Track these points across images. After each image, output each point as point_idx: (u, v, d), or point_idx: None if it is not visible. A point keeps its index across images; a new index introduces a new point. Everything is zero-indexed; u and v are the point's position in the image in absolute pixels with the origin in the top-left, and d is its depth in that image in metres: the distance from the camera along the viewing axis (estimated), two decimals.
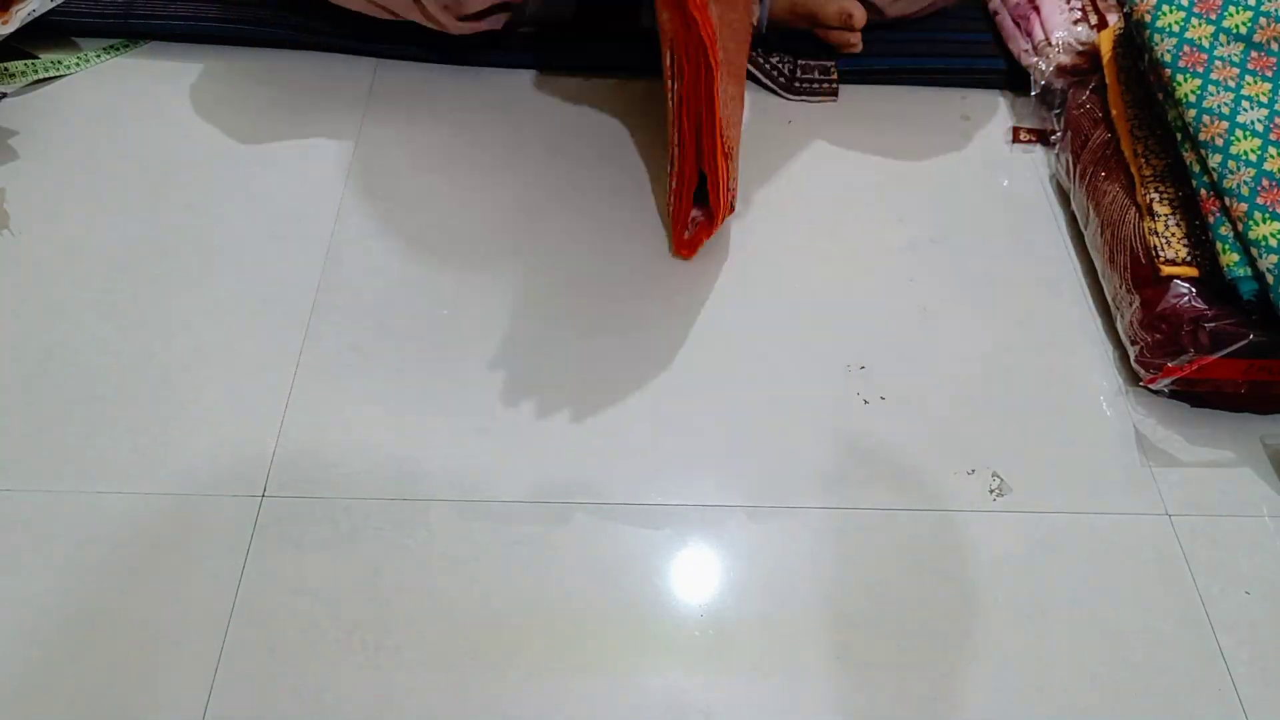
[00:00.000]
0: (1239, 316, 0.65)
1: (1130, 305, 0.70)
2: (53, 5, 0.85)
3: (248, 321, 0.72)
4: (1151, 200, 0.71)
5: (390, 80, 0.90)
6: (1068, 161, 0.82)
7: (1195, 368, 0.66)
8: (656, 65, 0.92)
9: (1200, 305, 0.66)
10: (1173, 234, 0.69)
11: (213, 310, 0.72)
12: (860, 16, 0.89)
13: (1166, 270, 0.68)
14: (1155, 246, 0.69)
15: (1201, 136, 0.68)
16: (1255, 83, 0.69)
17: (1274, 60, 0.70)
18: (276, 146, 0.83)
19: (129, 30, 0.91)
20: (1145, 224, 0.70)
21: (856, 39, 0.91)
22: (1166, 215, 0.70)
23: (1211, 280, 0.66)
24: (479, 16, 0.86)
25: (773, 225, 0.81)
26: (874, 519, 0.64)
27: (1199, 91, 0.69)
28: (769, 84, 0.91)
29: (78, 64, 0.89)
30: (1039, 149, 0.89)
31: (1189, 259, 0.68)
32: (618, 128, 0.88)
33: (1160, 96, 0.72)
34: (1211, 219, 0.66)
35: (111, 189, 0.80)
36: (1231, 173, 0.66)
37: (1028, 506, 0.65)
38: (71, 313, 0.71)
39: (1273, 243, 0.63)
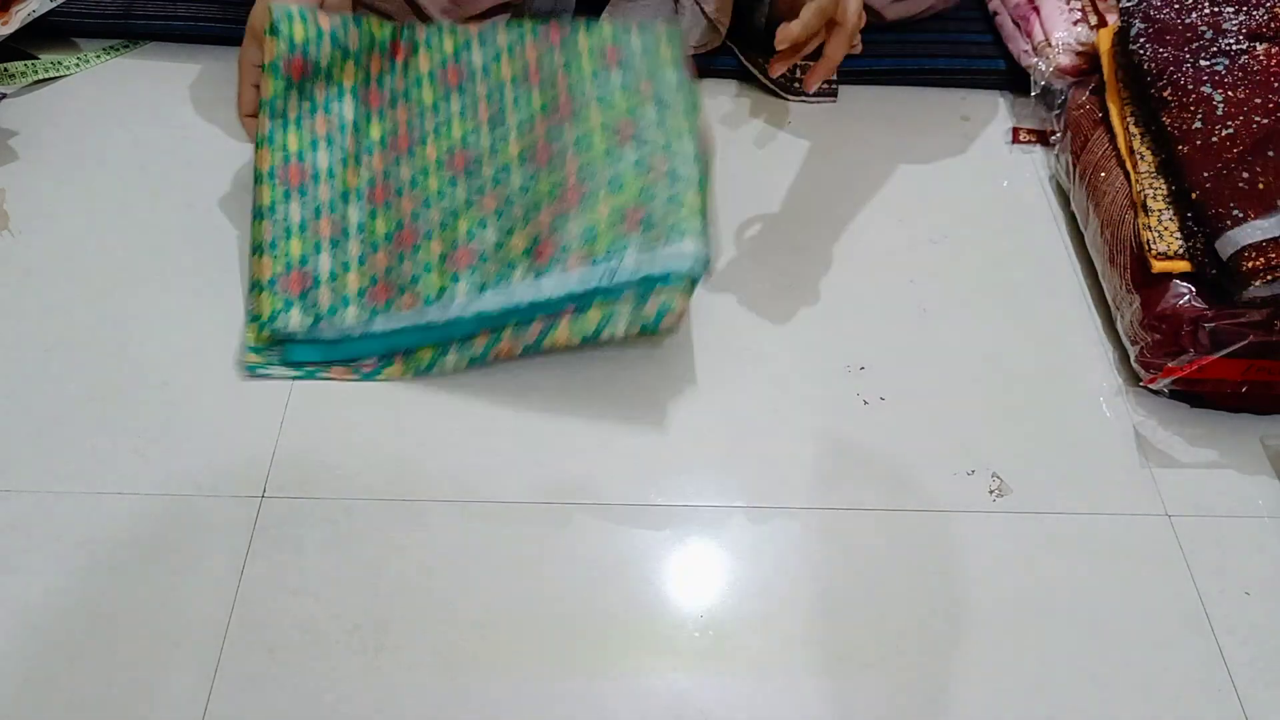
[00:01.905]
0: (1239, 316, 0.65)
1: (1130, 305, 0.70)
2: (53, 6, 0.85)
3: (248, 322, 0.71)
4: (1146, 196, 0.71)
5: None
6: (1068, 162, 0.82)
7: (1195, 368, 0.66)
8: None
9: (1200, 305, 0.66)
10: (1165, 228, 0.69)
11: (213, 310, 0.72)
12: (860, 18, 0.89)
13: (1158, 265, 0.68)
14: (1148, 241, 0.69)
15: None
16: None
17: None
18: None
19: (129, 31, 0.91)
20: (1140, 219, 0.70)
21: (856, 40, 0.91)
22: (1160, 210, 0.70)
23: (1203, 274, 0.66)
24: (481, 18, 0.86)
25: (772, 225, 0.81)
26: (874, 520, 0.64)
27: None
28: (769, 84, 0.91)
29: (78, 64, 0.89)
30: (1039, 149, 0.89)
31: (1181, 252, 0.68)
32: None
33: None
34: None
35: (111, 189, 0.80)
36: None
37: (1027, 507, 0.65)
38: (71, 313, 0.71)
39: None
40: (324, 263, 0.69)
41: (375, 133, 0.75)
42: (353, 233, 0.71)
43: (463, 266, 0.68)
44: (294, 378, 0.68)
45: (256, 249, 0.70)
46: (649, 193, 0.65)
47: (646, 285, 0.63)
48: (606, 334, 0.64)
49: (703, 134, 0.71)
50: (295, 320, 0.67)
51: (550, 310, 0.65)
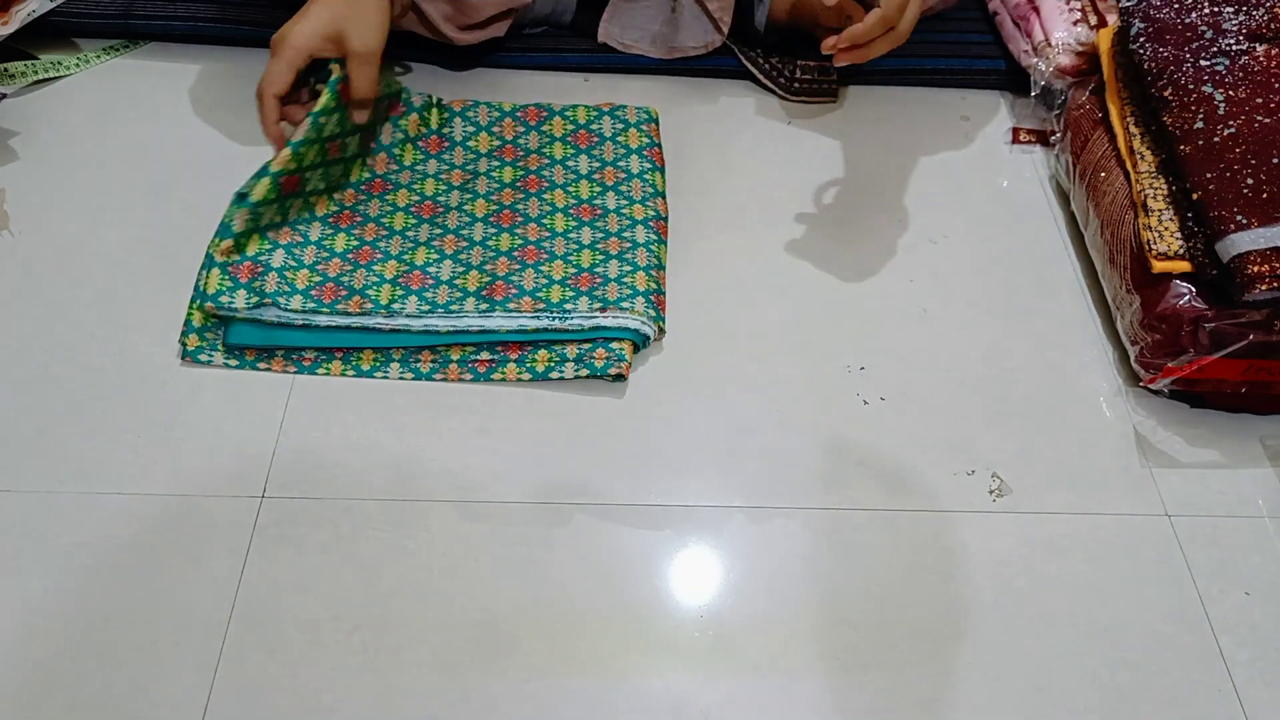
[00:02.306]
0: (1239, 316, 0.65)
1: (1130, 305, 0.70)
2: (53, 6, 0.85)
3: None
4: (1146, 196, 0.71)
5: None
6: (1068, 162, 0.82)
7: (1195, 368, 0.66)
8: (652, 64, 0.92)
9: (1200, 305, 0.66)
10: (1166, 228, 0.69)
11: None
12: (860, 18, 0.89)
13: (1159, 265, 0.68)
14: (1148, 241, 0.69)
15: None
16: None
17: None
18: None
19: (129, 31, 0.91)
20: (1140, 220, 0.70)
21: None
22: (1160, 210, 0.70)
23: (1203, 274, 0.66)
24: (482, 25, 0.86)
25: (772, 225, 0.81)
26: (873, 520, 0.64)
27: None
28: (769, 84, 0.91)
29: (78, 64, 0.89)
30: (1039, 149, 0.89)
31: (1181, 252, 0.68)
32: None
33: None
34: None
35: (111, 189, 0.80)
36: None
37: (1027, 507, 0.65)
38: (71, 313, 0.71)
39: None
40: (277, 258, 0.71)
41: (354, 175, 0.78)
42: (311, 242, 0.73)
43: (415, 286, 0.71)
44: (232, 367, 0.69)
45: (223, 230, 0.70)
46: (602, 266, 0.73)
47: (596, 336, 0.69)
48: (554, 376, 0.69)
49: (660, 219, 0.77)
50: (240, 299, 0.68)
51: (499, 344, 0.69)
